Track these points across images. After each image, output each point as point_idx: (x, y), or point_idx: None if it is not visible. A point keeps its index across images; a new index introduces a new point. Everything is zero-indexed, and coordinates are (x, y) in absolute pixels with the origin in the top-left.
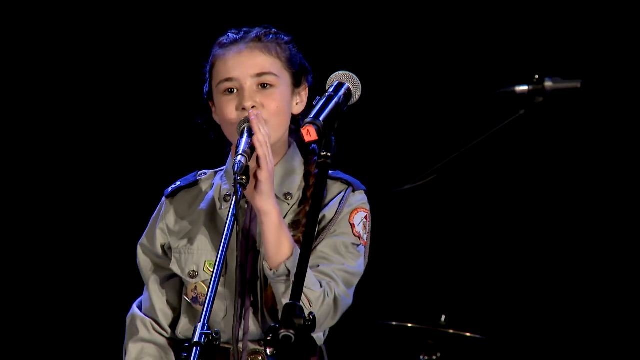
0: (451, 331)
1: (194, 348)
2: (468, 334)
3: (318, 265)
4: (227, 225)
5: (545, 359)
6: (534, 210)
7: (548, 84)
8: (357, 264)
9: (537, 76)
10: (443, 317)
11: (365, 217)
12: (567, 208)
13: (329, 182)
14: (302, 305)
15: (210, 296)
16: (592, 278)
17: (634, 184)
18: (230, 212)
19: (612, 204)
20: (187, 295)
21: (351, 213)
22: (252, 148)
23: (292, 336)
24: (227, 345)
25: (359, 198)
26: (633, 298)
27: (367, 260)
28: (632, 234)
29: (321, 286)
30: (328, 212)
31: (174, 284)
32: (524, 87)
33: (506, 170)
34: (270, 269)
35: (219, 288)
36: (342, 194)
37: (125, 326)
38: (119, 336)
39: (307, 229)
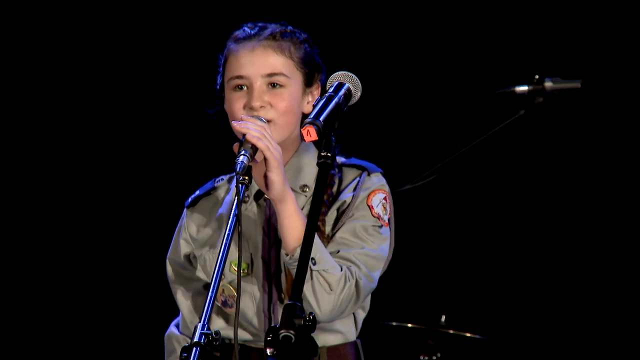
0: (451, 331)
1: (194, 348)
2: (468, 334)
3: (338, 251)
4: (228, 224)
5: (545, 359)
6: (534, 211)
7: (548, 84)
8: (378, 247)
9: (537, 76)
10: (443, 317)
11: (385, 198)
12: (567, 208)
13: (344, 169)
14: (322, 288)
15: (211, 297)
16: (592, 278)
17: (634, 184)
18: (232, 212)
19: (612, 204)
20: (217, 299)
21: (369, 195)
22: (254, 148)
23: (292, 336)
24: (259, 344)
25: (376, 180)
26: (633, 298)
27: (393, 243)
28: (632, 234)
29: (341, 270)
30: (346, 197)
31: (203, 294)
32: (524, 87)
33: (506, 171)
34: (287, 254)
35: (247, 286)
36: (357, 179)
37: (164, 346)
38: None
39: (308, 228)
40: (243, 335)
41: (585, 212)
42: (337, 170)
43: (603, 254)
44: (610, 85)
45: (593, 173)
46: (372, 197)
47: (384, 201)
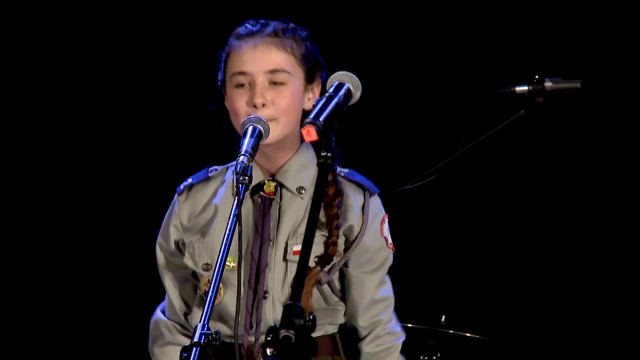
0: (451, 331)
1: (194, 348)
2: (468, 334)
3: (380, 310)
4: (228, 225)
5: (546, 359)
6: (534, 211)
7: (548, 84)
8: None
9: (537, 76)
10: (443, 317)
11: (387, 222)
12: (567, 208)
13: (345, 183)
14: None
15: (211, 297)
16: (592, 278)
17: (634, 184)
18: (232, 212)
19: (612, 204)
20: (200, 289)
21: (380, 225)
22: (254, 149)
23: (292, 336)
24: (239, 340)
25: (378, 204)
26: (633, 298)
27: None
28: (632, 234)
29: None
30: (354, 224)
31: (191, 281)
32: (524, 88)
33: (506, 171)
34: None
35: (232, 280)
36: (362, 201)
37: (149, 331)
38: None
39: (308, 228)
40: (224, 330)
41: (585, 212)
42: (339, 180)
43: (603, 254)
44: (610, 85)
45: (593, 173)
46: (383, 227)
47: (388, 226)
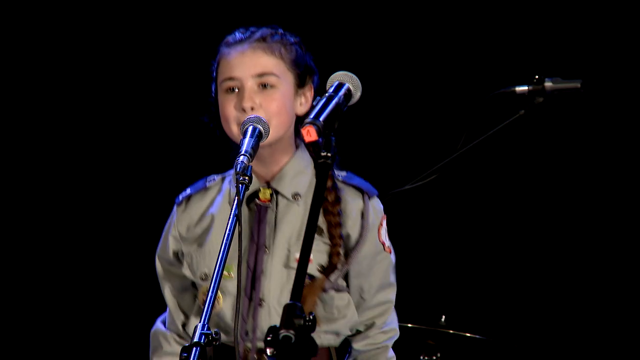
0: (451, 331)
1: (194, 348)
2: (468, 334)
3: (375, 315)
4: (228, 225)
5: (546, 359)
6: (534, 211)
7: (548, 84)
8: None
9: (537, 76)
10: (443, 317)
11: (385, 224)
12: (567, 208)
13: (344, 187)
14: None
15: (211, 297)
16: (592, 278)
17: (634, 184)
18: (232, 212)
19: (612, 204)
20: (199, 298)
21: (378, 230)
22: (254, 149)
23: (292, 336)
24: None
25: (378, 207)
26: (633, 298)
27: None
28: (632, 234)
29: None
30: (351, 229)
31: (190, 291)
32: (524, 88)
33: (506, 171)
34: None
35: (230, 288)
36: (361, 206)
37: (149, 341)
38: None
39: (308, 230)
40: (223, 337)
41: (585, 212)
42: (338, 186)
43: (603, 254)
44: (610, 85)
45: (593, 173)
46: (381, 231)
47: (385, 227)
